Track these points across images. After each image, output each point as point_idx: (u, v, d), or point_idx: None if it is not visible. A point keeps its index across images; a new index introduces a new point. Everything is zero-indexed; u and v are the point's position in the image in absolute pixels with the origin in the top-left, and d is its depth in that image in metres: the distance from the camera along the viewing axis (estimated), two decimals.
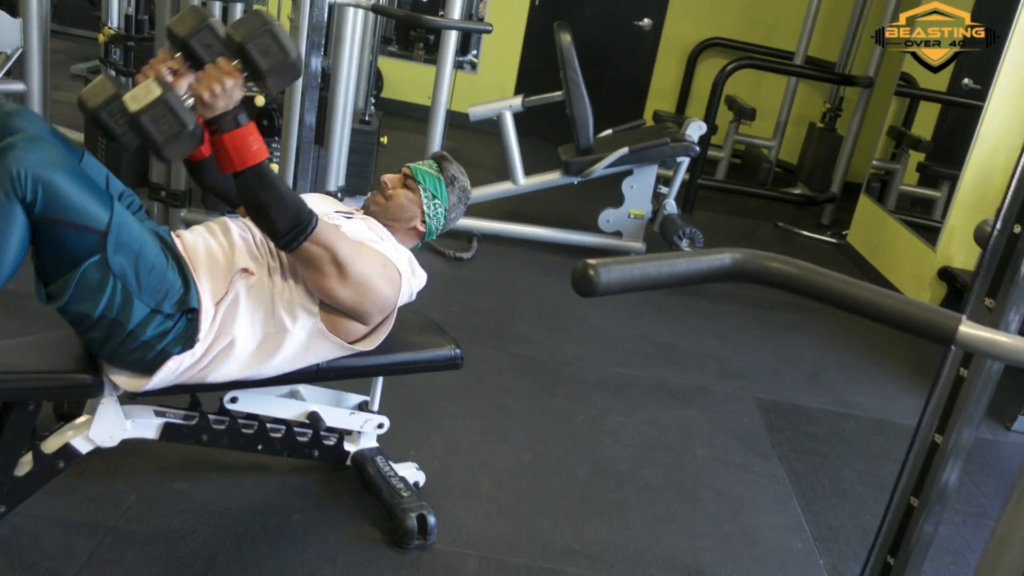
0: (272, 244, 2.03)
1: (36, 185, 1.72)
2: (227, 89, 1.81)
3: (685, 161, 4.55)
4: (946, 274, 4.33)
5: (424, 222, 2.27)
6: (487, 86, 7.10)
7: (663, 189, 4.65)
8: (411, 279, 2.20)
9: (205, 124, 1.84)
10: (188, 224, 3.82)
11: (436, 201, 2.26)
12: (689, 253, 1.21)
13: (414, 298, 2.25)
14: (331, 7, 3.50)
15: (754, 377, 3.66)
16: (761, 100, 6.86)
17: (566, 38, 4.41)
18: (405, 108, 7.18)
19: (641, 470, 2.83)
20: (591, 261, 1.07)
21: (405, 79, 7.36)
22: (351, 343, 2.14)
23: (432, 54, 8.08)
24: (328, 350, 2.13)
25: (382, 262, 2.08)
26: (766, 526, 2.64)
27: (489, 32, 3.71)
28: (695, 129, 4.51)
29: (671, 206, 4.61)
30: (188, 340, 1.94)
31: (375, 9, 3.48)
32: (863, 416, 3.47)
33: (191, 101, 1.82)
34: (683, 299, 4.40)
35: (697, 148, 4.47)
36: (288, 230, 1.90)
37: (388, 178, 2.29)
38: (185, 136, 1.77)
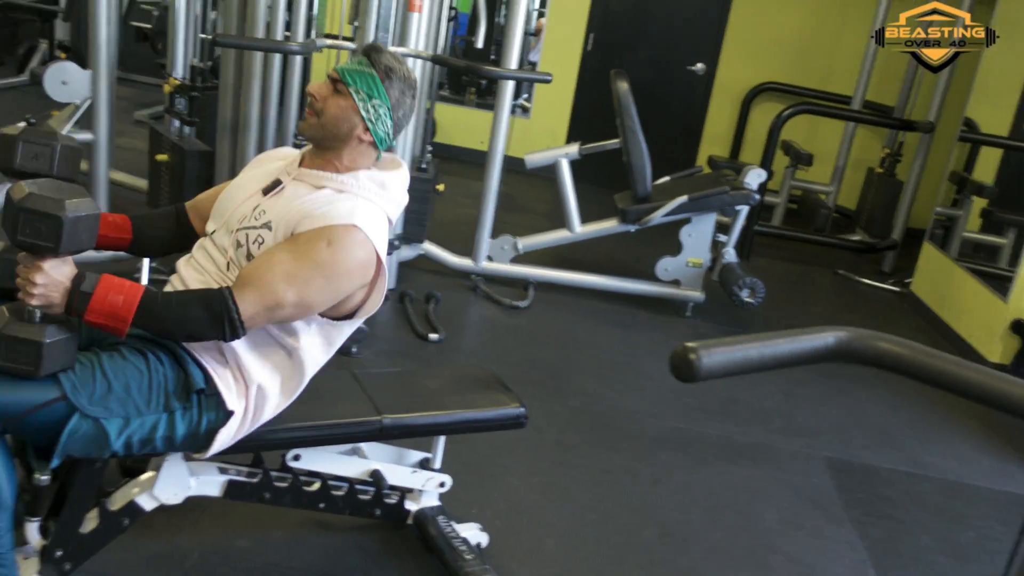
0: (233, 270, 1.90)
1: None
2: (44, 284, 1.66)
3: (744, 209, 4.48)
4: (1020, 327, 4.18)
5: (368, 129, 1.93)
6: (539, 130, 7.12)
7: (722, 237, 4.58)
8: (383, 206, 1.94)
9: (66, 313, 1.71)
10: None
11: (374, 101, 1.92)
12: (791, 333, 1.15)
13: (405, 201, 2.02)
14: None
15: (821, 434, 3.55)
16: (817, 144, 6.77)
17: (623, 86, 4.39)
18: (456, 152, 7.21)
19: (708, 533, 2.74)
20: (691, 345, 1.02)
21: (457, 123, 7.40)
22: (358, 311, 1.98)
23: (483, 98, 8.15)
24: (347, 330, 2.03)
25: (327, 240, 1.81)
26: None
27: (548, 82, 3.70)
28: (755, 177, 4.44)
29: (730, 255, 4.54)
30: (223, 411, 1.89)
31: (435, 60, 3.50)
32: (938, 478, 3.33)
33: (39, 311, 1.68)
34: None
35: (757, 196, 4.40)
36: (220, 332, 1.77)
37: (314, 88, 1.95)
38: (48, 349, 1.64)
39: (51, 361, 1.67)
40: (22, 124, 1.92)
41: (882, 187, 6.36)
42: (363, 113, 1.91)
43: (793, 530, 2.83)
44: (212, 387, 1.87)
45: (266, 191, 1.95)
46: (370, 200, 1.92)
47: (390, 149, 2.12)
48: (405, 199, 2.03)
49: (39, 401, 1.69)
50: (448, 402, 2.33)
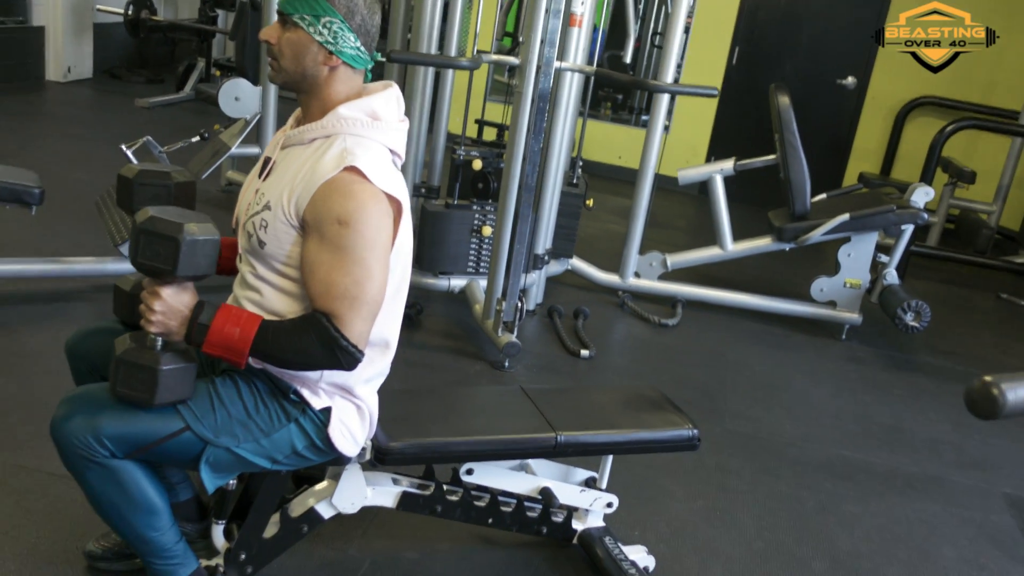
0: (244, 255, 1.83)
1: (99, 439, 1.66)
2: (162, 311, 1.66)
3: (909, 229, 4.27)
4: None
5: (332, 53, 1.74)
6: (680, 146, 7.00)
7: (883, 258, 4.37)
8: (379, 139, 1.76)
9: (186, 343, 1.71)
10: None
11: (324, 20, 1.72)
12: None
13: (406, 126, 1.84)
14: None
15: (997, 468, 3.33)
16: (977, 161, 6.42)
17: (784, 100, 4.27)
18: (592, 167, 7.16)
19: (883, 568, 2.59)
20: (989, 378, 0.95)
21: (593, 138, 7.35)
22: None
23: (617, 112, 8.09)
24: (399, 273, 1.85)
25: (336, 218, 1.66)
26: None
27: (715, 96, 3.63)
28: (921, 195, 4.23)
29: (892, 276, 4.33)
30: (321, 410, 1.84)
31: (599, 74, 3.47)
32: None
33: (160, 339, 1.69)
34: (904, 375, 4.10)
35: (925, 215, 4.18)
36: (336, 363, 1.70)
37: (264, 33, 1.79)
38: (164, 377, 1.65)
39: (166, 390, 1.67)
40: (136, 165, 1.96)
41: None
42: (317, 38, 1.73)
43: (975, 571, 2.65)
44: (297, 394, 1.81)
45: (260, 173, 1.86)
46: (359, 135, 1.75)
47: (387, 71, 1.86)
48: (405, 124, 1.84)
49: (164, 433, 1.71)
50: (620, 421, 2.29)
